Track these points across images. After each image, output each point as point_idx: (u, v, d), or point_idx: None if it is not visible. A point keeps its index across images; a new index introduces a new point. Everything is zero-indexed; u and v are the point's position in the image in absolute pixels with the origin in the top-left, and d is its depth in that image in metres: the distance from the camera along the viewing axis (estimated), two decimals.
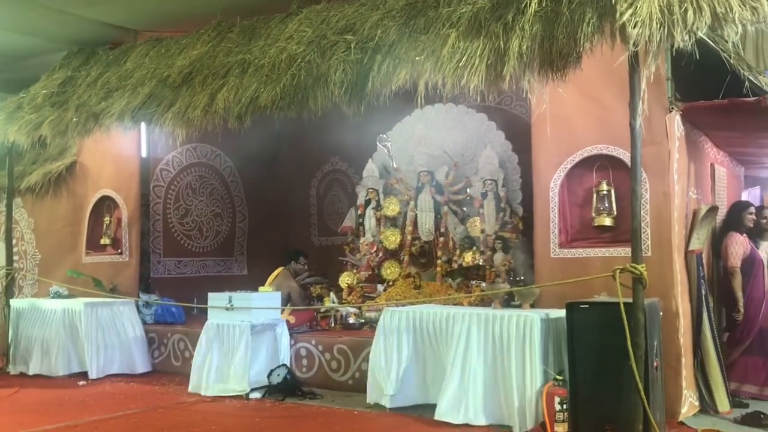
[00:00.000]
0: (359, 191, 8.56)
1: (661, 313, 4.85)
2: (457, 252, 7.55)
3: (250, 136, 7.01)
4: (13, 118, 8.04)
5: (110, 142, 8.22)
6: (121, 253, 8.44)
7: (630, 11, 4.00)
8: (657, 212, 5.13)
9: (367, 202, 8.32)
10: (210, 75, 6.53)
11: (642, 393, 4.14)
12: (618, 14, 4.04)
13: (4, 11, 7.52)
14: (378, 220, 8.18)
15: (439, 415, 5.06)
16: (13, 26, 7.99)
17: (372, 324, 6.88)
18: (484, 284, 6.97)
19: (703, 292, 5.33)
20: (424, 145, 8.13)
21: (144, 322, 7.83)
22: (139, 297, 8.06)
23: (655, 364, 4.47)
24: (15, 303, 8.09)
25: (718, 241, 5.99)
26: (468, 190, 7.73)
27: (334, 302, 7.59)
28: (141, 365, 7.54)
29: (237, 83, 6.21)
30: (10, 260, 8.42)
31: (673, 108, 5.12)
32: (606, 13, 4.21)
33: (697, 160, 5.74)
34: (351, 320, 7.14)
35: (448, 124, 8.06)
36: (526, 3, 4.60)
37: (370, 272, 7.98)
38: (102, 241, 8.59)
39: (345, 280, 8.00)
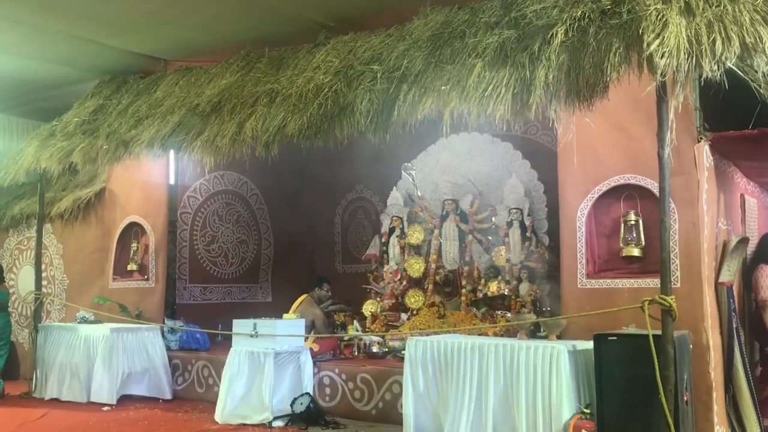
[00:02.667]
0: (383, 219, 8.57)
1: (691, 346, 4.76)
2: (482, 281, 7.49)
3: (277, 164, 7.07)
4: (46, 145, 8.22)
5: (139, 169, 8.35)
6: (147, 279, 8.51)
7: (657, 41, 4.00)
8: (686, 243, 5.06)
9: (392, 230, 8.31)
10: (238, 104, 6.63)
11: (672, 428, 4.06)
12: (645, 44, 4.05)
13: (39, 41, 7.72)
14: (402, 248, 8.16)
15: None
16: (46, 56, 8.18)
17: (396, 353, 6.84)
18: (509, 314, 6.90)
19: (735, 325, 5.21)
20: (449, 173, 8.13)
21: (169, 348, 7.86)
22: (164, 323, 8.10)
23: (685, 398, 4.38)
24: (42, 328, 8.19)
25: (748, 274, 5.88)
26: (493, 218, 7.69)
27: (357, 330, 7.56)
28: (165, 391, 7.56)
29: (265, 112, 6.29)
30: (39, 285, 8.54)
31: (701, 138, 5.08)
32: (633, 43, 4.21)
33: (727, 190, 5.66)
34: (374, 349, 7.10)
35: (473, 153, 8.07)
36: (553, 33, 4.62)
37: (393, 301, 7.94)
38: (129, 267, 8.67)
39: (368, 308, 7.97)
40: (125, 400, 7.34)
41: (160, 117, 7.35)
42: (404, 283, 7.97)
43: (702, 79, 4.12)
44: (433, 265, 7.89)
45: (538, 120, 5.25)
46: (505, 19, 5.17)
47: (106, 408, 7.10)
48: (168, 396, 7.55)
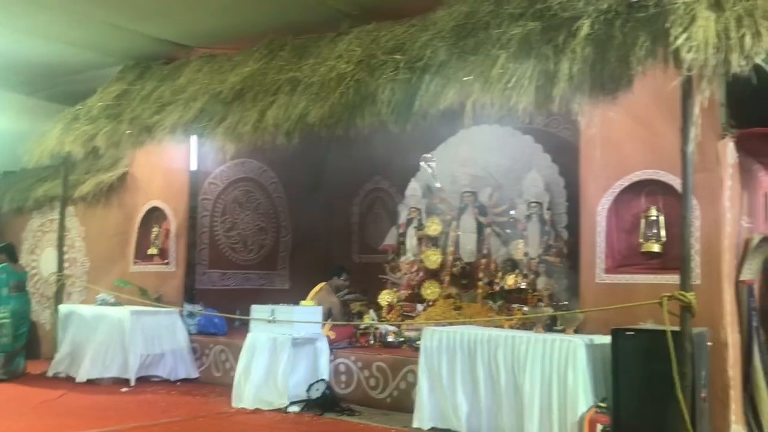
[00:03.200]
0: (401, 210, 8.57)
1: (710, 344, 4.73)
2: (499, 274, 7.47)
3: (297, 153, 7.10)
4: (70, 128, 8.32)
5: (161, 154, 8.43)
6: (167, 264, 8.60)
7: (685, 36, 3.96)
8: (707, 240, 5.02)
9: (409, 221, 8.31)
10: (261, 92, 6.66)
11: (688, 424, 4.04)
12: (672, 38, 4.01)
13: (65, 26, 7.79)
14: (419, 239, 8.16)
15: None
16: (71, 40, 8.26)
17: (411, 343, 6.86)
18: (525, 308, 6.89)
19: (754, 324, 5.18)
20: (468, 165, 8.10)
21: (188, 333, 7.94)
22: (183, 307, 8.18)
23: (702, 395, 4.36)
24: (63, 309, 8.31)
25: None
26: (512, 212, 7.66)
27: (373, 320, 7.59)
28: (184, 373, 7.67)
29: (287, 100, 6.31)
30: (60, 267, 8.67)
31: (726, 134, 5.03)
32: (660, 37, 4.17)
33: (751, 188, 5.61)
34: (390, 338, 7.12)
35: (493, 146, 8.02)
36: (578, 26, 4.58)
37: (410, 291, 7.95)
38: (150, 251, 8.77)
39: (385, 298, 7.99)
40: (143, 382, 7.45)
41: (183, 103, 7.40)
42: (421, 274, 7.97)
43: (729, 74, 4.08)
44: (450, 257, 7.88)
45: (560, 113, 5.21)
46: (530, 10, 5.12)
47: (124, 389, 7.20)
48: (187, 376, 7.64)
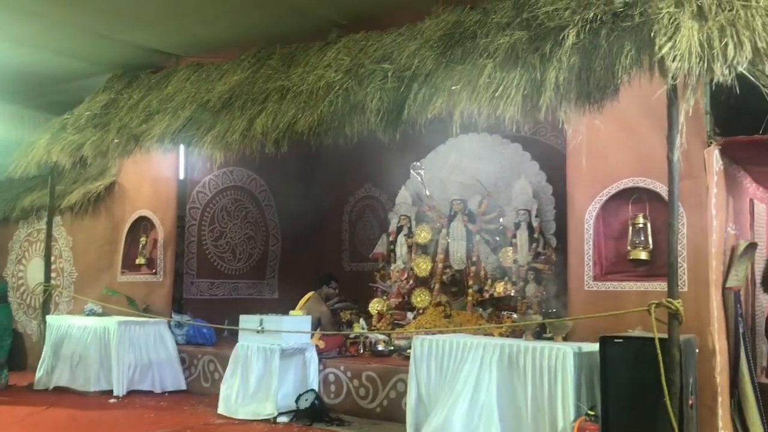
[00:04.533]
0: (391, 218, 8.59)
1: (697, 351, 4.75)
2: (489, 282, 7.50)
3: (286, 161, 7.09)
4: (57, 138, 8.28)
5: (149, 163, 8.39)
6: (155, 273, 8.56)
7: (669, 44, 4.01)
8: (694, 247, 5.05)
9: (399, 229, 8.33)
10: (249, 100, 6.66)
11: (677, 431, 4.05)
12: (657, 47, 4.06)
13: (54, 34, 7.76)
14: (409, 247, 8.17)
15: None
16: (60, 49, 8.23)
17: (401, 352, 6.85)
18: (515, 315, 6.90)
19: (741, 331, 5.21)
20: (458, 173, 8.14)
21: (176, 342, 7.89)
22: (171, 317, 8.14)
23: (690, 402, 4.38)
24: (50, 319, 8.24)
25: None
26: (501, 219, 7.70)
27: (363, 328, 7.57)
28: (172, 384, 7.60)
29: (275, 109, 6.32)
30: (47, 277, 8.60)
31: (711, 142, 5.07)
32: (645, 46, 4.22)
33: (736, 195, 5.65)
34: (380, 347, 7.11)
35: (482, 154, 8.07)
36: (564, 35, 4.63)
37: (400, 299, 7.96)
38: (137, 261, 8.72)
39: (375, 306, 7.99)
40: (131, 392, 7.38)
41: (170, 112, 7.39)
42: (411, 282, 7.98)
43: (713, 83, 4.12)
44: (440, 265, 7.90)
45: (547, 121, 5.23)
46: (516, 20, 5.17)
47: (112, 400, 7.14)
48: (175, 388, 7.57)
